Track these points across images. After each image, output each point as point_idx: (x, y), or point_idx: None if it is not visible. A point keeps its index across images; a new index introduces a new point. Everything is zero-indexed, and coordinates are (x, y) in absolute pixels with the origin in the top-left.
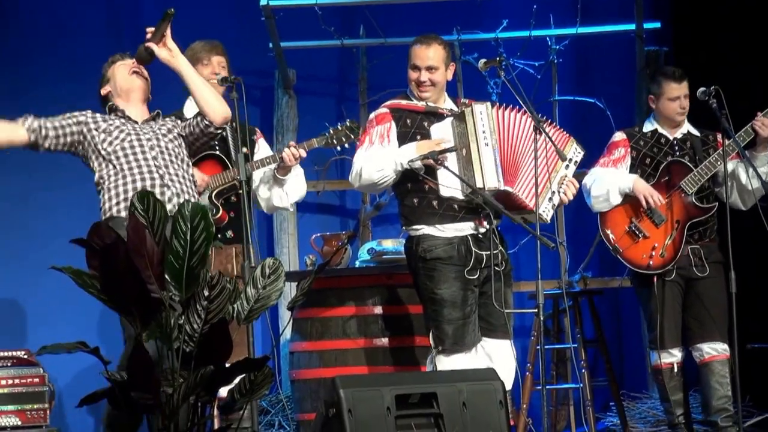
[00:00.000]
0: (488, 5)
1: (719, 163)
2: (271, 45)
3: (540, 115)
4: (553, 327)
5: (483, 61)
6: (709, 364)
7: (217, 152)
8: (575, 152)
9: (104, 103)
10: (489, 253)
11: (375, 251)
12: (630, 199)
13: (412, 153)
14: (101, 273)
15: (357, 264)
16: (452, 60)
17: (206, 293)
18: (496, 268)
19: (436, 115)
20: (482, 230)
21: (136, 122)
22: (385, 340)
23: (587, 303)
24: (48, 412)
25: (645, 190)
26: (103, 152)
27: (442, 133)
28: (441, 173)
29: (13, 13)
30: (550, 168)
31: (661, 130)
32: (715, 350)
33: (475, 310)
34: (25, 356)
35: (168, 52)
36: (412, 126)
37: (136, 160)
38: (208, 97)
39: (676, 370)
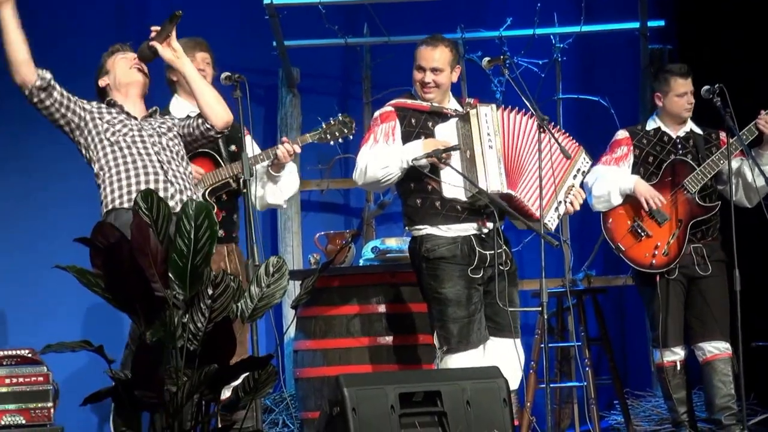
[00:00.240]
0: (492, 3)
1: (722, 161)
2: (274, 43)
3: (546, 120)
4: (557, 325)
5: (487, 59)
6: (712, 363)
7: (206, 150)
8: (584, 162)
9: (101, 95)
10: (493, 252)
11: (379, 250)
12: (632, 199)
13: (417, 151)
14: (105, 272)
15: (361, 262)
16: (458, 62)
17: (210, 292)
18: (501, 267)
19: (441, 116)
20: (485, 230)
21: (136, 118)
22: (388, 339)
23: (591, 301)
24: (52, 410)
25: (646, 192)
26: (105, 141)
27: (446, 133)
28: (444, 173)
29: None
30: (557, 178)
31: (664, 128)
32: (717, 349)
33: (481, 309)
34: (29, 355)
35: (173, 52)
36: (417, 125)
37: (139, 153)
38: (210, 100)
39: (679, 368)
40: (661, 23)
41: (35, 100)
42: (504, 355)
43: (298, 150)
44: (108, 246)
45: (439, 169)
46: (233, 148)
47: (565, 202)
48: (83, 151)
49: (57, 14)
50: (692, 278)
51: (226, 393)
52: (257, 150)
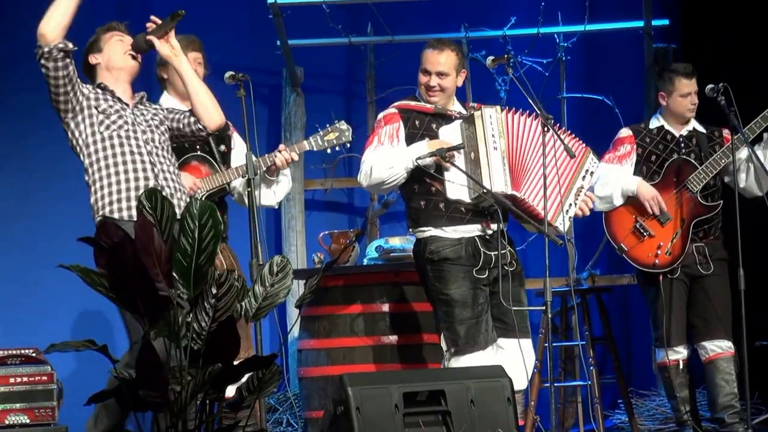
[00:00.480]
0: (496, 2)
1: (723, 160)
2: (278, 43)
3: (551, 119)
4: (561, 324)
5: (491, 58)
6: (715, 362)
7: (199, 152)
8: (591, 163)
9: (88, 72)
10: (497, 253)
11: (383, 249)
12: (634, 199)
13: (422, 151)
14: (109, 271)
15: (365, 262)
16: (464, 67)
17: (214, 291)
18: (507, 268)
19: (445, 118)
20: (490, 232)
21: (127, 104)
22: (392, 338)
23: (595, 300)
24: (56, 410)
25: (649, 196)
26: (98, 135)
27: (450, 135)
28: (448, 175)
29: (12, 13)
30: (562, 178)
31: (667, 126)
32: (719, 348)
33: (487, 310)
34: (33, 354)
35: (171, 49)
36: (421, 127)
37: (131, 152)
38: (205, 101)
39: (682, 366)
40: (666, 22)
41: (50, 58)
42: (511, 356)
43: (296, 158)
44: (112, 245)
45: (444, 169)
46: (223, 148)
47: (575, 204)
48: (69, 135)
49: None
50: (694, 277)
51: (230, 392)
52: (243, 148)
